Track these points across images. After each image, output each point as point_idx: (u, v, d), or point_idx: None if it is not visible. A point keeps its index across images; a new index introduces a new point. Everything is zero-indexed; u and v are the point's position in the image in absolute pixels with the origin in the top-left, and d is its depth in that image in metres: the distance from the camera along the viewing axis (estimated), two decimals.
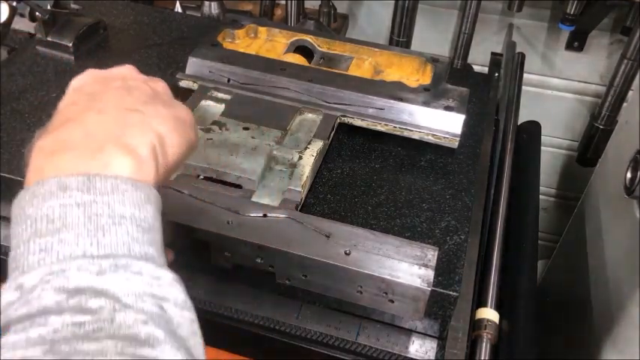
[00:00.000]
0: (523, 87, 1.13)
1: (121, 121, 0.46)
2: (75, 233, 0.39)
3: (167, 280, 0.41)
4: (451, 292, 0.65)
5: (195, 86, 0.88)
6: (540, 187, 1.05)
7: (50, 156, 0.43)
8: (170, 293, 0.41)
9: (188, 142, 0.51)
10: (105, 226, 0.40)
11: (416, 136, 0.83)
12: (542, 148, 1.12)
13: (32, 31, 1.02)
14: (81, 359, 0.34)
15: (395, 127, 0.83)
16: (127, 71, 0.54)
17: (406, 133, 0.83)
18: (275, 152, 0.77)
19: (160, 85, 0.54)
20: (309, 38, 0.97)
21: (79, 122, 0.45)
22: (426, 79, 0.90)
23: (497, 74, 1.11)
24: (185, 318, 0.41)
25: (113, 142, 0.44)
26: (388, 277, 0.62)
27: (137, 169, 0.43)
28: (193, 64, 0.89)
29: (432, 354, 0.69)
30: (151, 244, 0.42)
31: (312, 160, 0.76)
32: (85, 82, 0.52)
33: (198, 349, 0.41)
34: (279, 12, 1.46)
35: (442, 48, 1.52)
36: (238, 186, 0.73)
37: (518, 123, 1.05)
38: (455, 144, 0.82)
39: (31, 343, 0.35)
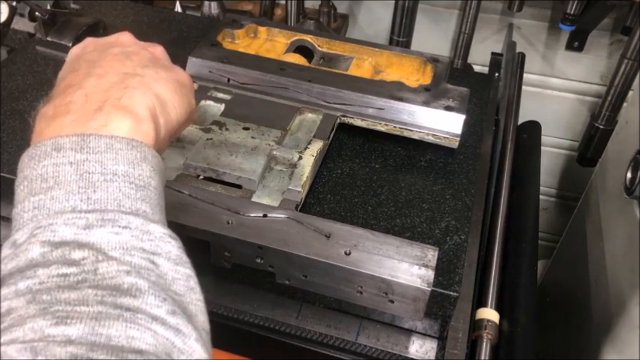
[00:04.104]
0: (523, 87, 1.13)
1: (121, 84, 0.47)
2: (66, 190, 0.40)
3: (157, 235, 0.41)
4: (451, 293, 0.65)
5: (195, 86, 0.88)
6: (540, 187, 1.05)
7: (51, 120, 0.44)
8: (161, 248, 0.41)
9: (188, 104, 0.53)
10: (96, 182, 0.41)
11: (416, 136, 0.83)
12: (542, 148, 1.12)
13: (32, 31, 1.02)
14: (62, 308, 0.34)
15: (395, 127, 0.83)
16: (124, 38, 0.55)
17: (406, 133, 0.83)
18: (275, 152, 0.76)
19: (159, 50, 0.56)
20: (309, 38, 0.97)
21: (80, 87, 0.46)
22: (426, 79, 0.90)
23: (497, 74, 1.11)
24: (180, 273, 0.41)
25: (111, 103, 0.45)
26: (388, 278, 0.62)
27: (134, 129, 0.44)
28: (193, 64, 0.89)
29: (432, 354, 0.69)
30: (145, 201, 0.42)
31: (312, 160, 0.76)
32: (84, 50, 0.53)
33: (197, 305, 0.41)
34: (279, 12, 1.45)
35: (442, 48, 1.52)
36: (238, 186, 0.73)
37: (519, 123, 1.05)
38: (455, 144, 0.82)
39: (18, 294, 0.35)
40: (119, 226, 0.39)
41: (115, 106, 0.44)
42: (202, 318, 0.41)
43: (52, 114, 0.44)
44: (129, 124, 0.44)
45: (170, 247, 0.41)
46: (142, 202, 0.42)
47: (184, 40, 1.02)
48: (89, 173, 0.41)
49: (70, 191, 0.40)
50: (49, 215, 0.39)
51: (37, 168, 0.41)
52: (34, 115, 0.46)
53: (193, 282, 0.42)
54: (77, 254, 0.37)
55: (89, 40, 0.55)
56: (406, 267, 0.63)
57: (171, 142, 0.54)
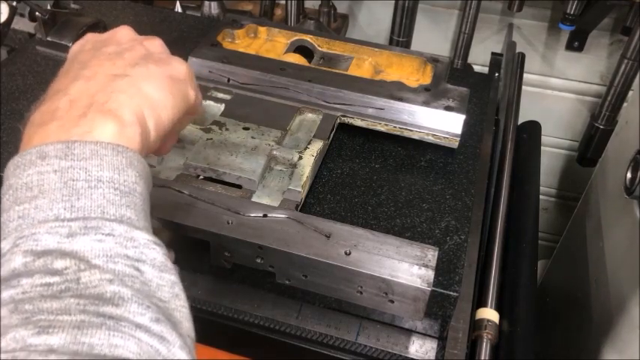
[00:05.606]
0: (523, 87, 1.13)
1: (108, 88, 0.46)
2: (50, 199, 0.40)
3: (142, 242, 0.40)
4: (451, 292, 0.65)
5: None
6: (540, 187, 1.05)
7: (38, 127, 0.44)
8: (146, 255, 0.40)
9: (184, 99, 0.51)
10: (80, 190, 0.40)
11: (416, 136, 0.83)
12: (542, 148, 1.12)
13: (32, 31, 1.02)
14: (44, 317, 0.34)
15: (395, 127, 0.83)
16: (122, 33, 0.54)
17: (406, 133, 0.83)
18: (275, 152, 0.77)
19: (156, 44, 0.55)
20: (309, 38, 0.97)
21: (66, 93, 0.46)
22: (426, 79, 0.90)
23: (497, 74, 1.11)
24: (165, 280, 0.40)
25: (96, 108, 0.44)
26: (388, 278, 0.62)
27: (119, 133, 0.43)
28: (193, 64, 0.89)
29: (432, 354, 0.69)
30: (130, 207, 0.42)
31: (312, 160, 0.76)
32: (82, 48, 0.53)
33: (182, 312, 0.40)
34: (279, 12, 1.45)
35: (442, 48, 1.52)
36: (238, 186, 0.73)
37: (519, 123, 1.05)
38: (455, 144, 0.82)
39: (1, 304, 0.35)
40: (102, 234, 0.39)
41: (99, 111, 0.44)
42: (187, 325, 0.40)
43: (39, 121, 0.44)
44: (113, 128, 0.43)
45: (155, 253, 0.41)
46: (126, 208, 0.41)
47: (184, 40, 1.02)
48: (73, 180, 0.40)
49: (54, 200, 0.40)
50: (33, 224, 0.39)
51: (22, 177, 0.41)
52: (24, 121, 0.45)
53: (178, 289, 0.41)
54: (60, 263, 0.37)
55: (89, 37, 0.54)
56: (406, 267, 0.63)
57: (169, 138, 0.54)
